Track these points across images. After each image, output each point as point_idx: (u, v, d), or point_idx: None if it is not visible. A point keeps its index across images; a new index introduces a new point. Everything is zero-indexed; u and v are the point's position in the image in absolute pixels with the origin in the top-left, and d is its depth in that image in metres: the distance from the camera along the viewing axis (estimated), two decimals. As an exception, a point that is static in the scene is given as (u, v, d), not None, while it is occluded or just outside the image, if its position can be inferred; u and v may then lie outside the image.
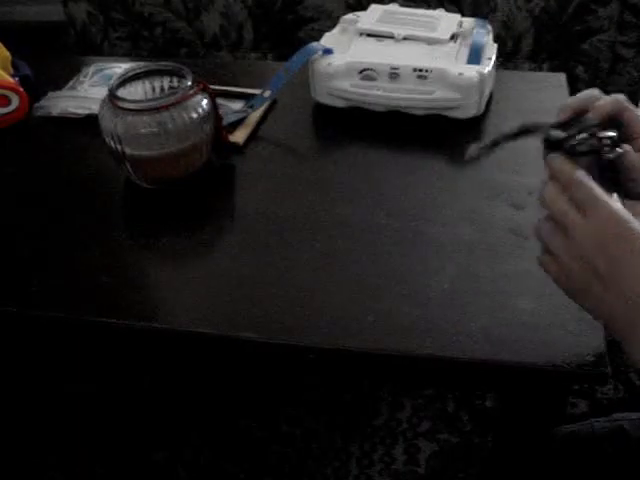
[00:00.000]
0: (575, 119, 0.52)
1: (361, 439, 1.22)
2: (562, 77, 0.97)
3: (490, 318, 0.61)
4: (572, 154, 0.50)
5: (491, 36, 0.94)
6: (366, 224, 0.72)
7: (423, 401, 1.28)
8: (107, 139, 0.75)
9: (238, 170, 0.83)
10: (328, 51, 0.89)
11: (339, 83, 0.88)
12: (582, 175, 0.48)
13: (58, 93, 0.95)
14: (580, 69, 1.81)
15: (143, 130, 0.73)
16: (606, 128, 0.51)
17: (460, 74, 0.84)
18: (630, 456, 0.65)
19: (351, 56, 0.88)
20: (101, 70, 0.99)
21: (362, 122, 0.89)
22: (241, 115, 0.89)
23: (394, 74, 0.86)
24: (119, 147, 0.74)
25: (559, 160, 0.49)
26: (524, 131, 0.54)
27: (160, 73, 0.80)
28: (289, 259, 0.69)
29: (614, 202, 0.47)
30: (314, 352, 0.62)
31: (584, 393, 1.23)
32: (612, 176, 0.51)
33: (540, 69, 1.86)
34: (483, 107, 0.88)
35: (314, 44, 0.90)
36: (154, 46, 2.01)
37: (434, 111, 0.87)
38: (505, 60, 1.83)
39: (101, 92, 0.79)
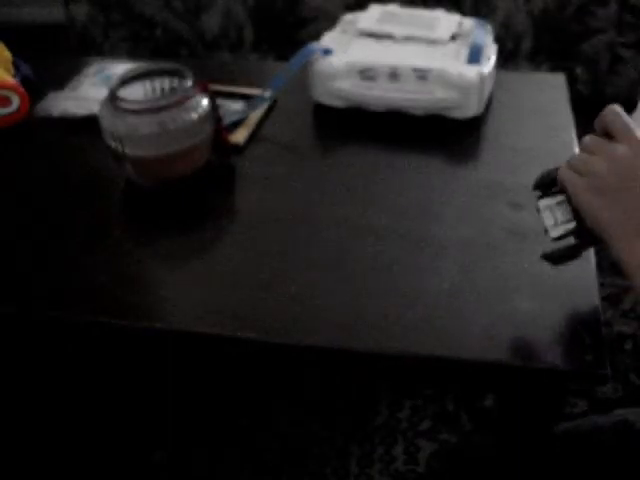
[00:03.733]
0: None
1: (361, 439, 1.22)
2: (561, 77, 0.97)
3: (490, 318, 0.61)
4: None
5: (491, 36, 0.94)
6: (366, 224, 0.72)
7: (423, 401, 1.28)
8: (107, 139, 0.75)
9: (238, 170, 0.83)
10: (328, 51, 0.89)
11: (339, 83, 0.88)
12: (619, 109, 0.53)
13: (59, 94, 0.95)
14: (579, 69, 1.81)
15: (143, 130, 0.73)
16: None
17: (460, 74, 0.84)
18: (633, 448, 0.65)
19: (351, 56, 0.88)
20: (102, 70, 0.99)
21: (362, 122, 0.89)
22: (241, 115, 0.89)
23: (394, 74, 0.86)
24: (119, 147, 0.75)
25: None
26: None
27: (160, 73, 0.80)
28: (289, 259, 0.69)
29: None
30: (314, 352, 0.62)
31: (584, 393, 1.23)
32: None
33: (539, 69, 1.87)
34: (483, 107, 0.88)
35: (314, 44, 0.90)
36: (154, 46, 2.01)
37: (434, 111, 0.87)
38: (505, 60, 1.84)
39: (102, 92, 0.79)
